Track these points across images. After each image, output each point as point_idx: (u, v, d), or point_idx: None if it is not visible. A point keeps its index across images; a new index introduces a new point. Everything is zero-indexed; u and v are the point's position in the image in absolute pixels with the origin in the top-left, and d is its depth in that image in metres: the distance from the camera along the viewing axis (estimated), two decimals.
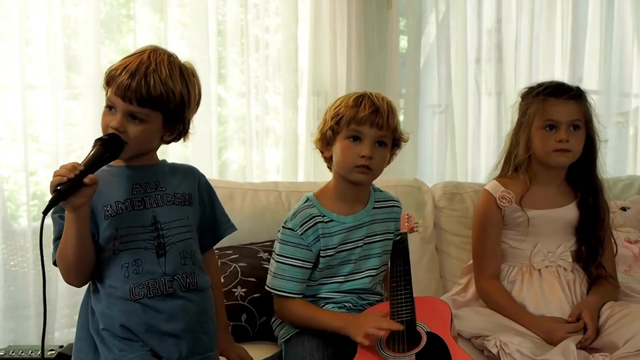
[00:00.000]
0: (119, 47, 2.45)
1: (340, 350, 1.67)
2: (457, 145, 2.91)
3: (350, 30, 2.63)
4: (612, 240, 2.04)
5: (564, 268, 1.98)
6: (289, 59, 2.63)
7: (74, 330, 2.34)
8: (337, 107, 1.74)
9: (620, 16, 3.19)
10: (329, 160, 1.80)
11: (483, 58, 3.01)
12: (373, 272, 1.82)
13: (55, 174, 1.37)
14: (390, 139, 1.74)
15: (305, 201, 1.80)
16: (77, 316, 2.32)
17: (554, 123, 1.93)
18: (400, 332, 1.66)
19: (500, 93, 3.01)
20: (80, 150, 2.39)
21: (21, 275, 2.32)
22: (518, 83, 2.92)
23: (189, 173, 1.65)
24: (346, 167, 1.73)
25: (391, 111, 1.72)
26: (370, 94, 1.73)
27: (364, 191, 1.82)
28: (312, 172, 2.68)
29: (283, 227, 1.78)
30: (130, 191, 1.53)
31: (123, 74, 1.46)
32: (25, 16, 2.31)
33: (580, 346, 1.78)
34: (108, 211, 1.50)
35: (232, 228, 1.71)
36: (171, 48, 2.41)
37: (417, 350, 1.63)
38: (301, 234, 1.74)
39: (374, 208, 1.83)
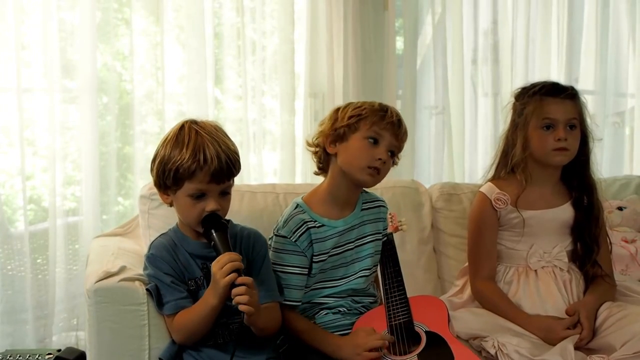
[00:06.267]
0: (114, 51, 2.44)
1: None
2: (454, 146, 2.91)
3: (346, 31, 2.63)
4: (607, 239, 2.05)
5: (560, 268, 1.98)
6: (285, 62, 2.62)
7: (72, 334, 2.39)
8: (359, 108, 1.74)
9: (615, 17, 3.20)
10: (324, 160, 1.79)
11: (479, 59, 3.01)
12: (366, 272, 1.82)
13: (227, 271, 1.49)
14: (397, 152, 1.77)
15: (295, 207, 1.78)
16: (74, 320, 2.35)
17: (552, 122, 1.94)
18: (400, 334, 1.67)
19: (496, 94, 3.01)
20: (76, 154, 2.39)
21: (18, 280, 2.32)
22: (514, 84, 2.92)
23: (249, 239, 1.71)
24: (359, 165, 1.71)
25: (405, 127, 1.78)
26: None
27: (357, 194, 1.82)
28: (310, 174, 2.67)
29: (275, 235, 1.76)
30: (200, 268, 1.65)
31: (209, 161, 1.54)
32: (21, 20, 2.31)
33: (576, 346, 1.78)
34: (192, 286, 1.65)
35: (277, 296, 1.69)
36: (167, 51, 2.46)
37: (418, 351, 1.63)
38: (295, 241, 1.73)
39: (362, 210, 1.83)
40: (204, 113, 2.42)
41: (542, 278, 1.96)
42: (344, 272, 1.80)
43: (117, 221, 2.41)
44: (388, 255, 1.83)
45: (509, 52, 3.00)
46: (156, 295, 1.64)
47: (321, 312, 1.79)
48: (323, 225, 1.76)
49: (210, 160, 1.54)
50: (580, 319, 1.85)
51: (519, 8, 3.01)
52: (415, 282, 2.13)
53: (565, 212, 2.01)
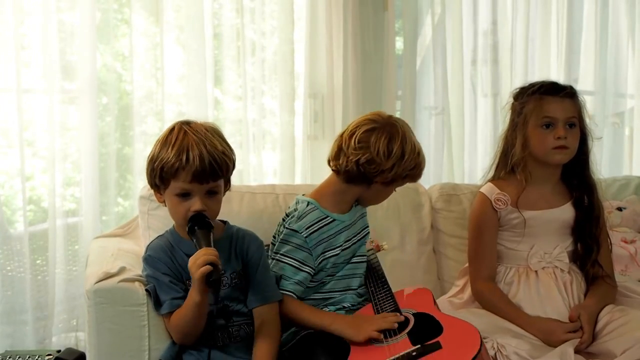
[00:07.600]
0: (114, 51, 2.44)
1: (334, 348, 1.69)
2: (454, 147, 2.91)
3: (346, 32, 2.63)
4: (608, 239, 2.04)
5: (560, 269, 1.98)
6: (285, 62, 2.62)
7: (72, 335, 2.38)
8: (415, 169, 1.78)
9: (614, 17, 3.20)
10: (353, 176, 1.78)
11: (479, 59, 3.01)
12: (365, 257, 1.90)
13: (201, 263, 1.48)
14: None
15: (307, 205, 1.81)
16: (74, 321, 2.35)
17: (551, 121, 1.94)
18: None
19: (496, 94, 3.01)
20: (76, 155, 2.39)
21: (18, 280, 2.32)
22: (514, 84, 2.91)
23: (244, 241, 1.72)
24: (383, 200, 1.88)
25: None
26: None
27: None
28: (309, 174, 2.68)
29: (286, 227, 1.79)
30: None
31: (191, 161, 1.56)
32: (21, 21, 2.31)
33: (576, 350, 1.78)
34: (190, 286, 1.61)
35: (275, 296, 1.72)
36: (167, 52, 2.45)
37: (407, 330, 1.65)
38: (305, 237, 1.76)
39: (357, 205, 1.88)
40: (203, 114, 2.41)
41: (543, 279, 1.96)
42: (351, 262, 1.86)
43: (116, 222, 2.40)
44: (371, 268, 1.89)
45: (509, 53, 3.00)
46: (154, 296, 1.65)
47: (326, 308, 1.82)
48: (334, 220, 1.81)
49: (192, 161, 1.57)
50: (581, 322, 1.85)
51: (519, 8, 3.01)
52: (414, 283, 2.12)
53: (566, 212, 2.01)
